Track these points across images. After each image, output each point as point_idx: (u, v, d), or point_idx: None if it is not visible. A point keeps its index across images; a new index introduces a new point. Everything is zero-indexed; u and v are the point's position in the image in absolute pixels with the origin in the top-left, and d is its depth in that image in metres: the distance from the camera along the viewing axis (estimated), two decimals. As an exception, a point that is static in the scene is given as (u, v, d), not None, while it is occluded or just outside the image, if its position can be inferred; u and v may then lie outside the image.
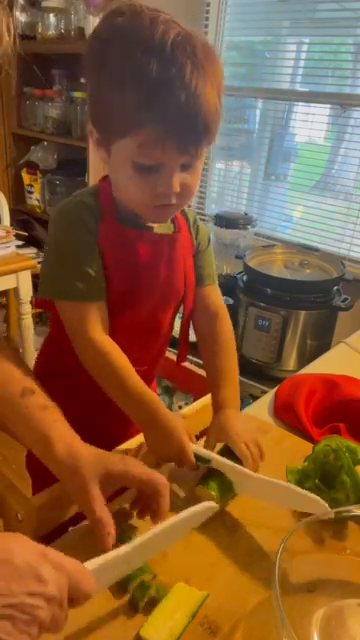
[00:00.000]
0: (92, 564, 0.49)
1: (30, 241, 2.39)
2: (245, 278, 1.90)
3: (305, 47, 2.17)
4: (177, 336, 0.89)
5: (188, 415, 0.86)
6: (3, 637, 0.36)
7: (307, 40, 2.15)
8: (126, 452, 0.75)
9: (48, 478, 0.69)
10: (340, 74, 2.12)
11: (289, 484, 0.68)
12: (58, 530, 0.68)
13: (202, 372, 0.96)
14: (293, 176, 2.35)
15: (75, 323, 0.72)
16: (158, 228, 0.78)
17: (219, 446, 0.75)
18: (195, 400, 0.90)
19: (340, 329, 1.82)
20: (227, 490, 0.70)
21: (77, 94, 2.38)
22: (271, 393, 1.02)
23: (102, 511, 0.57)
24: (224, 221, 2.11)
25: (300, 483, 0.71)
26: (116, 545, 0.55)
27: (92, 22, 2.12)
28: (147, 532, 0.56)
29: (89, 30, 2.15)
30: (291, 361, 1.81)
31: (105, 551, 0.50)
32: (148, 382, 0.78)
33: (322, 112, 2.15)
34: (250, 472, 0.69)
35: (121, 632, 0.54)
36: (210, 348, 0.84)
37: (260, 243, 2.21)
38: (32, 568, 0.38)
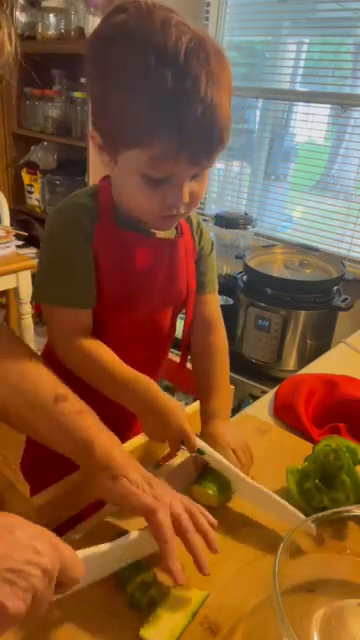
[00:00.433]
0: (83, 552, 0.50)
1: (30, 241, 2.39)
2: (245, 278, 1.90)
3: (305, 47, 2.17)
4: (179, 337, 0.88)
5: (188, 415, 0.85)
6: (1, 599, 0.38)
7: (307, 40, 2.15)
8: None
9: (46, 479, 0.69)
10: (340, 74, 2.12)
11: (272, 493, 0.68)
12: (59, 529, 0.68)
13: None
14: (293, 176, 2.35)
15: (63, 328, 0.72)
16: (159, 232, 0.77)
17: None
18: (195, 400, 0.90)
19: (340, 329, 1.82)
20: (225, 489, 0.70)
21: (77, 94, 2.38)
22: (271, 393, 1.02)
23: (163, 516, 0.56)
24: (224, 221, 2.11)
25: (300, 483, 0.71)
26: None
27: (92, 22, 2.12)
28: (141, 529, 0.57)
29: (89, 30, 2.15)
30: (291, 361, 1.81)
31: (171, 562, 0.53)
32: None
33: (322, 112, 2.15)
34: (242, 474, 0.70)
35: (121, 632, 0.54)
36: (203, 357, 0.84)
37: (260, 243, 2.21)
38: (31, 540, 0.41)
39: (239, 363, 1.83)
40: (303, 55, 2.19)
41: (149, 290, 0.77)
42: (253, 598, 0.58)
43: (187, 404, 0.84)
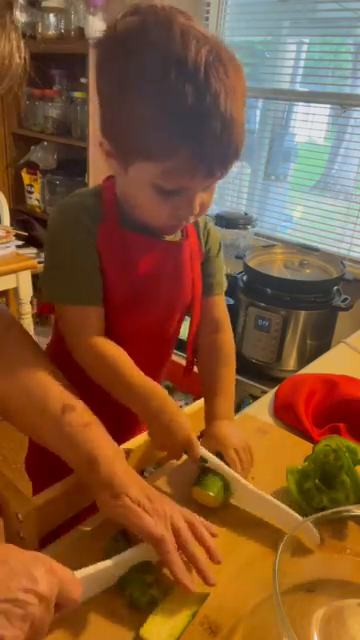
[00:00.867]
0: (81, 573, 0.50)
1: (30, 241, 2.39)
2: (245, 278, 1.90)
3: (305, 47, 2.17)
4: (182, 338, 0.88)
5: (188, 415, 0.85)
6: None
7: (307, 40, 2.15)
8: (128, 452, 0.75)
9: (48, 479, 0.68)
10: (340, 74, 2.12)
11: (275, 500, 0.68)
12: (58, 530, 0.68)
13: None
14: (293, 176, 2.35)
15: (73, 326, 0.72)
16: (164, 235, 0.76)
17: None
18: (195, 400, 0.89)
19: (340, 329, 1.82)
20: (224, 490, 0.70)
21: (77, 94, 2.37)
22: (271, 393, 1.02)
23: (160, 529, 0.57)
24: (224, 221, 2.10)
25: (300, 483, 0.71)
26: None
27: (92, 22, 2.11)
28: (138, 545, 0.57)
29: (89, 30, 2.14)
30: (291, 361, 1.81)
31: (180, 575, 0.54)
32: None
33: (322, 112, 2.15)
34: (244, 481, 0.70)
35: (121, 632, 0.54)
36: (210, 358, 0.84)
37: (260, 243, 2.21)
38: (26, 568, 0.41)
39: (239, 363, 1.80)
40: (303, 55, 2.18)
41: (154, 292, 0.76)
42: (253, 598, 0.58)
43: (187, 404, 0.84)
